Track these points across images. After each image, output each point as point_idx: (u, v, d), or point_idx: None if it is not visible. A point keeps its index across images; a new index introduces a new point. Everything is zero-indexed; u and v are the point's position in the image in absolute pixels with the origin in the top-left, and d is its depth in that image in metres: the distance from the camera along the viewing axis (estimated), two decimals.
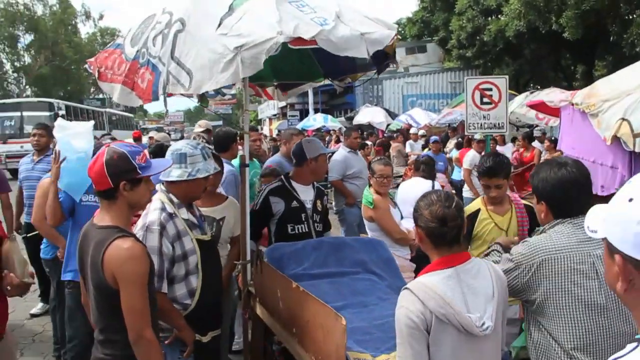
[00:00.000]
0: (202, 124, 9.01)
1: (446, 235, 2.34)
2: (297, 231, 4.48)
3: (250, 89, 5.00)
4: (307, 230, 4.51)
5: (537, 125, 14.36)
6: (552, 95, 13.09)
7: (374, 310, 3.54)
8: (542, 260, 2.49)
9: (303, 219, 4.51)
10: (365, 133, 16.84)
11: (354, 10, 3.78)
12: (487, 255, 3.17)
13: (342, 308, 3.42)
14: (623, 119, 5.31)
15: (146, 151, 2.86)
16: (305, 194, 4.61)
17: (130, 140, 17.84)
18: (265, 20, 3.36)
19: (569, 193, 2.52)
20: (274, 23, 3.30)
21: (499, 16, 23.04)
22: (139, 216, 3.42)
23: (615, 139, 5.33)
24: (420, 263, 4.40)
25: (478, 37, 24.50)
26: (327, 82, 5.34)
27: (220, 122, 45.40)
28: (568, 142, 6.26)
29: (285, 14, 3.41)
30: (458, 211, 2.37)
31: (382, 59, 4.23)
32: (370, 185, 5.32)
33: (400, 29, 36.00)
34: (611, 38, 15.65)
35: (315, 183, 4.75)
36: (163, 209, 3.30)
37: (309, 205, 4.57)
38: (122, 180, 2.66)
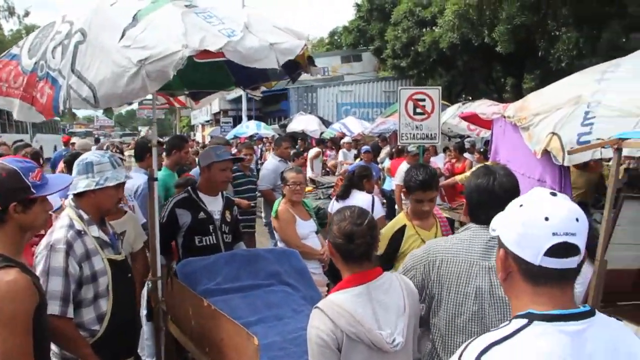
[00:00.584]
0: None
1: (353, 252, 2.36)
2: (204, 243, 4.39)
3: (162, 97, 4.86)
4: (215, 241, 4.42)
5: (468, 136, 14.54)
6: (484, 107, 13.31)
7: (289, 324, 3.51)
8: (431, 260, 2.60)
9: (211, 230, 4.42)
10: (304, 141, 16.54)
11: (264, 20, 3.70)
12: None
13: (256, 323, 3.42)
14: (553, 133, 5.28)
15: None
16: (213, 204, 4.51)
17: (60, 146, 16.80)
18: (170, 32, 3.25)
19: (481, 199, 2.59)
20: (180, 35, 3.19)
21: (434, 28, 23.33)
22: (40, 236, 3.18)
23: (545, 152, 5.30)
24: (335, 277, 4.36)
25: (413, 48, 24.76)
26: (263, 88, 5.19)
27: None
28: (502, 154, 6.22)
29: (191, 26, 3.30)
30: (369, 229, 2.38)
31: (294, 67, 4.17)
32: (283, 196, 5.22)
33: (336, 38, 35.99)
34: (540, 53, 16.08)
35: (224, 193, 4.65)
36: (71, 226, 3.03)
37: (217, 216, 4.48)
38: (12, 202, 2.34)
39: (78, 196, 3.14)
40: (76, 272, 2.94)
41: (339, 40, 39.71)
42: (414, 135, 9.60)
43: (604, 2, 13.93)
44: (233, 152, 9.06)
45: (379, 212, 5.78)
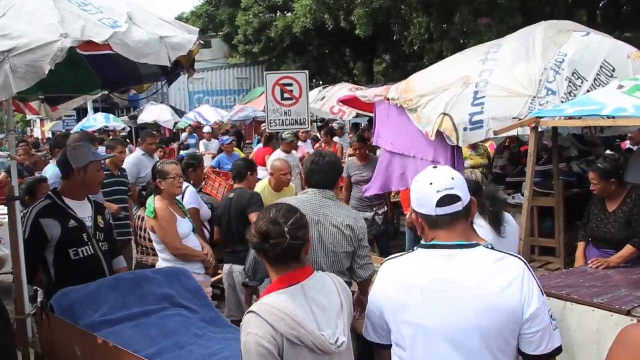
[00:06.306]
0: None
1: (268, 252, 2.20)
2: (81, 255, 3.78)
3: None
4: (92, 252, 3.84)
5: (330, 121, 14.55)
6: (345, 90, 13.34)
7: (194, 352, 3.15)
8: None
9: (86, 240, 3.81)
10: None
11: (147, 12, 3.31)
12: None
13: (155, 355, 3.03)
14: (444, 114, 5.22)
15: None
16: (82, 210, 3.90)
17: None
18: (41, 19, 2.83)
19: (312, 169, 3.69)
20: (56, 23, 2.79)
21: (286, 13, 23.14)
22: None
23: (438, 134, 5.23)
24: None
25: (265, 33, 24.44)
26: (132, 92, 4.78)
27: None
28: (386, 137, 6.09)
29: (67, 13, 2.87)
30: (292, 230, 2.21)
31: (174, 67, 3.74)
32: (155, 194, 4.69)
33: (183, 23, 34.75)
34: (395, 37, 16.51)
35: (91, 197, 4.05)
36: None
37: (89, 223, 3.88)
38: None
39: None
40: None
41: None
42: (283, 121, 9.34)
43: None
44: (101, 150, 8.12)
45: (189, 203, 5.43)
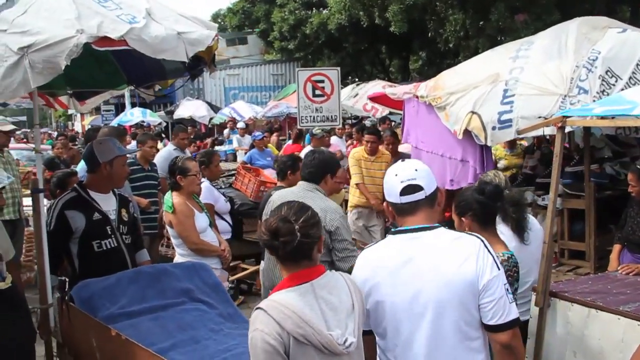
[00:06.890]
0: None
1: (278, 250, 2.18)
2: (105, 247, 3.85)
3: (40, 98, 4.17)
4: (116, 244, 3.90)
5: (363, 118, 14.46)
6: (378, 87, 13.26)
7: (209, 346, 3.19)
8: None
9: (109, 232, 3.88)
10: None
11: (167, 8, 3.34)
12: None
13: (170, 349, 3.08)
14: (473, 112, 5.13)
15: None
16: (107, 203, 3.97)
17: None
18: (59, 16, 2.91)
19: (304, 163, 4.11)
20: (72, 19, 2.85)
21: (321, 9, 23.08)
22: None
23: (466, 132, 5.14)
24: None
25: (300, 30, 24.46)
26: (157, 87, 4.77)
27: (24, 118, 40.92)
28: (416, 135, 6.03)
29: (84, 9, 2.93)
30: (302, 227, 2.19)
31: (195, 63, 3.80)
32: (172, 189, 4.74)
33: (220, 20, 34.76)
34: (430, 34, 16.34)
35: (116, 190, 4.12)
36: None
37: (113, 216, 3.95)
38: None
39: None
40: None
41: (222, 22, 38.52)
42: (314, 117, 9.33)
43: None
44: (134, 144, 8.20)
45: (203, 198, 5.39)
